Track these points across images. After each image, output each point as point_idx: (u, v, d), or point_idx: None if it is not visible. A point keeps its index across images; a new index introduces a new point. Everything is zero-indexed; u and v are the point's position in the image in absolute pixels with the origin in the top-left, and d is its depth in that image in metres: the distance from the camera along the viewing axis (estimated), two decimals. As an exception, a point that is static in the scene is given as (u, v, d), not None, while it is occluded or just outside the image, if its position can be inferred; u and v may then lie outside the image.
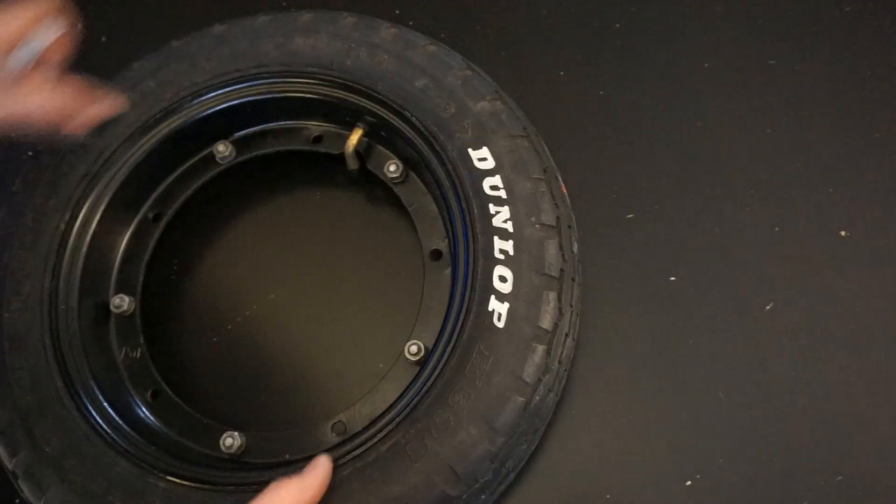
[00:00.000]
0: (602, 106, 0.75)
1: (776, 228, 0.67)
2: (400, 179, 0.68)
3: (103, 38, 0.87)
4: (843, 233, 0.66)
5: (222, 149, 0.72)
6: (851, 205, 0.67)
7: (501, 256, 0.56)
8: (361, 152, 0.69)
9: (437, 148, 0.61)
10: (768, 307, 0.64)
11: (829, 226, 0.67)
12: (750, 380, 0.62)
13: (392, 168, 0.67)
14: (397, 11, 0.82)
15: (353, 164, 0.69)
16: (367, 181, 0.71)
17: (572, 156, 0.72)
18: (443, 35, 0.79)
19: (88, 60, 0.88)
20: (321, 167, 0.74)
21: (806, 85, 0.73)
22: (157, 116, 0.68)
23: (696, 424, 0.62)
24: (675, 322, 0.65)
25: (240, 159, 0.72)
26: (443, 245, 0.64)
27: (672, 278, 0.67)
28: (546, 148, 0.63)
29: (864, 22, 0.74)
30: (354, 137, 0.67)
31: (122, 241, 0.70)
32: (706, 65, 0.75)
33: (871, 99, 0.71)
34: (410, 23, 0.80)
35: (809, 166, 0.69)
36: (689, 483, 0.60)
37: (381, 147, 0.70)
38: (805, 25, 0.75)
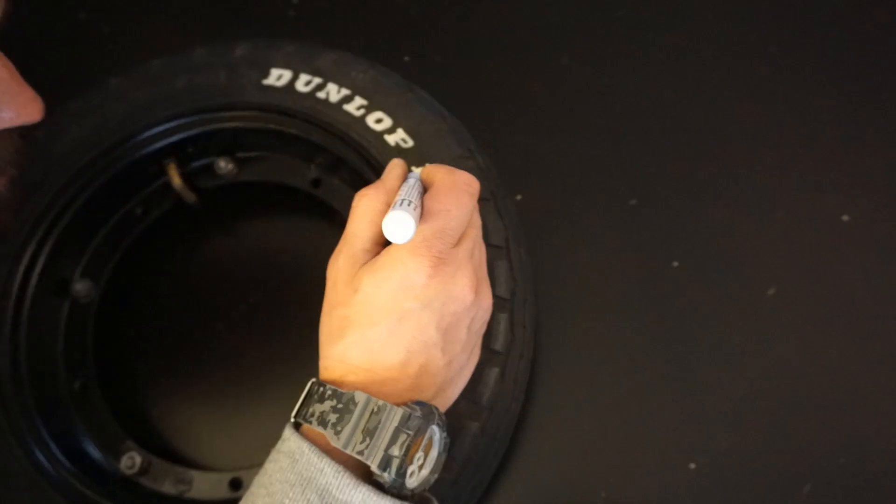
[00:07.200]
0: (604, 94, 0.75)
1: (778, 213, 0.67)
2: (235, 171, 0.68)
3: (106, 30, 0.88)
4: (844, 217, 0.66)
5: (222, 164, 0.69)
6: (853, 189, 0.67)
7: None
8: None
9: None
10: (771, 291, 0.65)
11: (830, 210, 0.67)
12: (752, 363, 0.63)
13: (222, 164, 0.68)
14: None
15: (190, 197, 0.69)
16: (214, 199, 0.71)
17: (576, 142, 0.73)
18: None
19: (94, 52, 0.89)
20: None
21: (807, 71, 0.73)
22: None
23: (699, 408, 0.62)
24: (678, 307, 0.65)
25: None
26: None
27: (675, 264, 0.67)
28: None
29: (866, 7, 0.74)
30: (174, 174, 0.67)
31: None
32: (707, 52, 0.75)
33: (872, 84, 0.71)
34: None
35: (811, 151, 0.69)
36: (692, 466, 0.60)
37: (197, 163, 0.69)
38: (806, 12, 0.75)
